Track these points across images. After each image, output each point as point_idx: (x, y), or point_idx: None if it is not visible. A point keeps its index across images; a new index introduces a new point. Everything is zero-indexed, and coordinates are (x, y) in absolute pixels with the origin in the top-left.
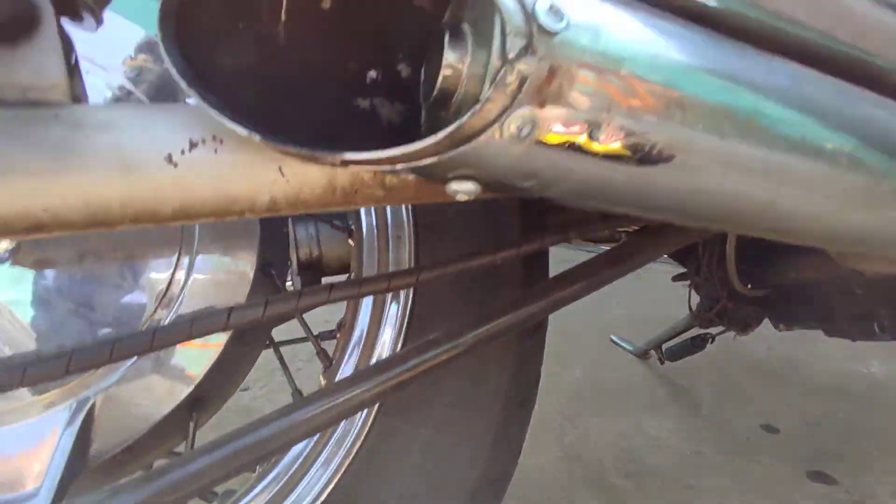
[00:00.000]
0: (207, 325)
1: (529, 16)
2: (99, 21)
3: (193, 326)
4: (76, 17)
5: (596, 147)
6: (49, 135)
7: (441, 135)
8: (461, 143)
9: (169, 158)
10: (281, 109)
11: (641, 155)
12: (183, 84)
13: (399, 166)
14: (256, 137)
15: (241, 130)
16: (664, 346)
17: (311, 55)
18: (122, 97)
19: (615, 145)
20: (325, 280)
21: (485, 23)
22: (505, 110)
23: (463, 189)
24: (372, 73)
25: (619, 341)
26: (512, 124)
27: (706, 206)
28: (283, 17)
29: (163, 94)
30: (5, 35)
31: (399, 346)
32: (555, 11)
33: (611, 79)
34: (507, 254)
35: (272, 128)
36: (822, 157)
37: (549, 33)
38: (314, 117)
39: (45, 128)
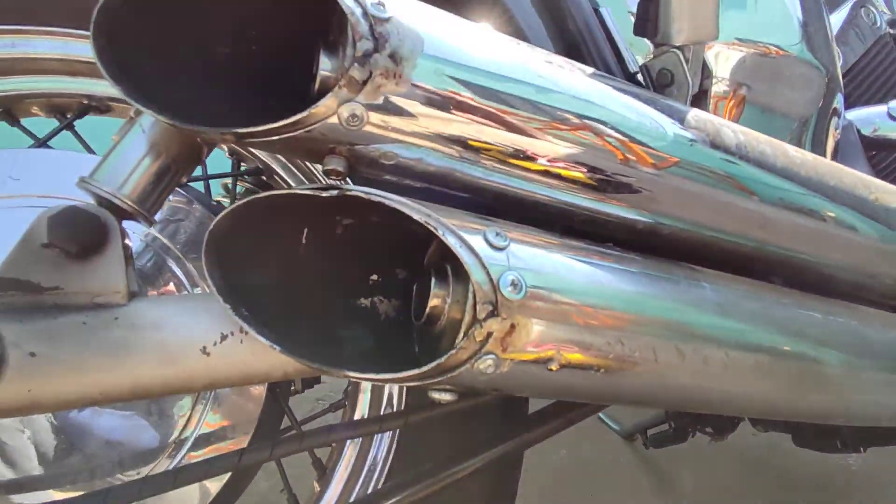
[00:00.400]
0: (223, 465)
1: (496, 288)
2: (152, 223)
3: (210, 467)
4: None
5: (550, 370)
6: (109, 336)
7: (424, 369)
8: (440, 374)
9: (203, 350)
10: (296, 318)
11: (591, 368)
12: (228, 309)
13: (391, 384)
14: (277, 349)
15: (264, 341)
16: (649, 433)
17: (322, 266)
18: (151, 244)
19: (565, 367)
20: None
21: (462, 273)
22: (474, 355)
23: (442, 397)
24: (374, 277)
25: (606, 419)
26: (480, 364)
27: (660, 398)
28: (304, 240)
29: (189, 246)
30: (81, 253)
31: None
32: (515, 284)
33: (559, 327)
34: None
35: (290, 336)
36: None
37: (510, 301)
38: (323, 323)
39: (106, 331)
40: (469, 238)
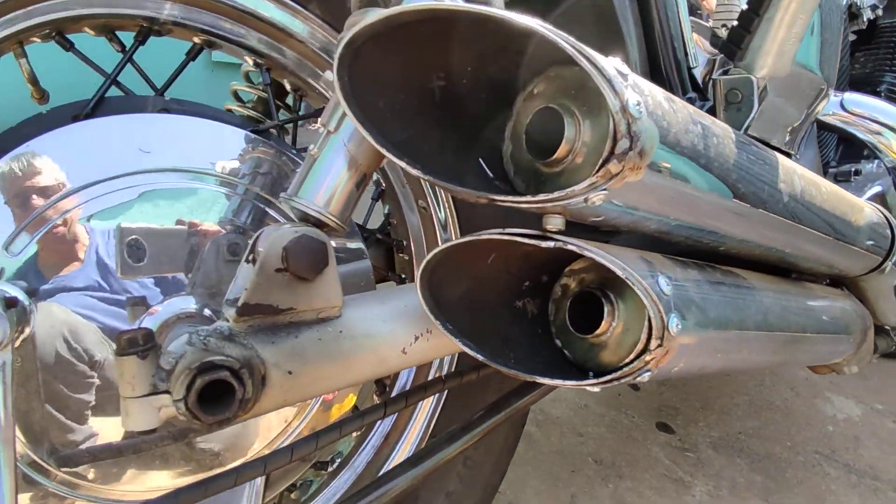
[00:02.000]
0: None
1: (665, 326)
2: (345, 231)
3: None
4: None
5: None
6: (339, 348)
7: (604, 378)
8: (610, 381)
9: (403, 350)
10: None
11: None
12: (440, 325)
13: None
14: (473, 353)
15: (463, 346)
16: None
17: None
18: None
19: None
20: None
21: (629, 305)
22: (635, 371)
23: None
24: (526, 282)
25: None
26: (640, 377)
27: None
28: (489, 261)
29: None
30: (311, 275)
31: None
32: (676, 324)
33: (696, 353)
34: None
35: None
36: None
37: (672, 336)
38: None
39: (336, 344)
40: (647, 284)
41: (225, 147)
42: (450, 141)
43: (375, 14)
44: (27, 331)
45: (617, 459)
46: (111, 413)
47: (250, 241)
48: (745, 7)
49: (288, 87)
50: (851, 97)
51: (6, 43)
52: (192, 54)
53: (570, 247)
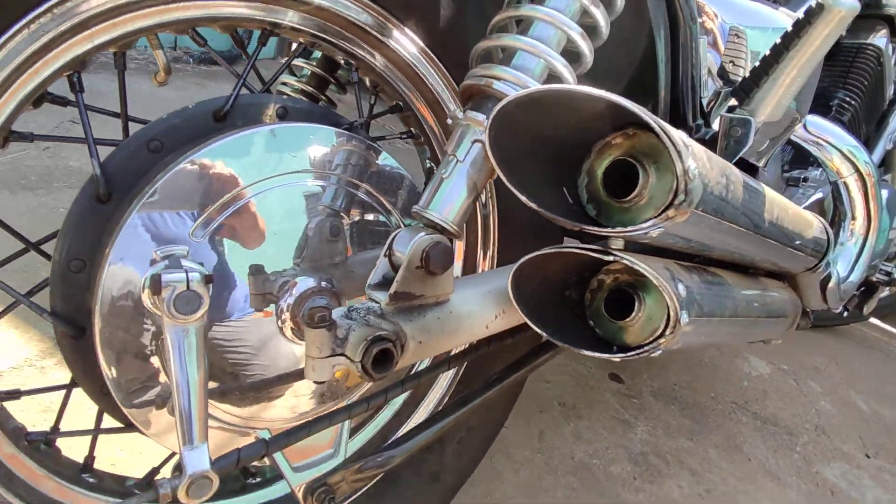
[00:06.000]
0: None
1: (678, 320)
2: (462, 237)
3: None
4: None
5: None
6: (452, 323)
7: (630, 354)
8: (636, 354)
9: (486, 326)
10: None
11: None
12: (531, 323)
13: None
14: (550, 337)
15: (533, 325)
16: None
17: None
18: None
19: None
20: None
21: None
22: (649, 347)
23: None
24: (574, 277)
25: None
26: (652, 351)
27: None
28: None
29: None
30: (441, 272)
31: None
32: (687, 318)
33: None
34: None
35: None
36: None
37: (682, 326)
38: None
39: (451, 320)
40: (670, 287)
41: (324, 143)
42: (548, 174)
43: (522, 92)
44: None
45: (577, 403)
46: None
47: (388, 240)
48: (756, 64)
49: (368, 84)
50: (814, 120)
51: (145, 32)
52: (297, 52)
53: (625, 261)
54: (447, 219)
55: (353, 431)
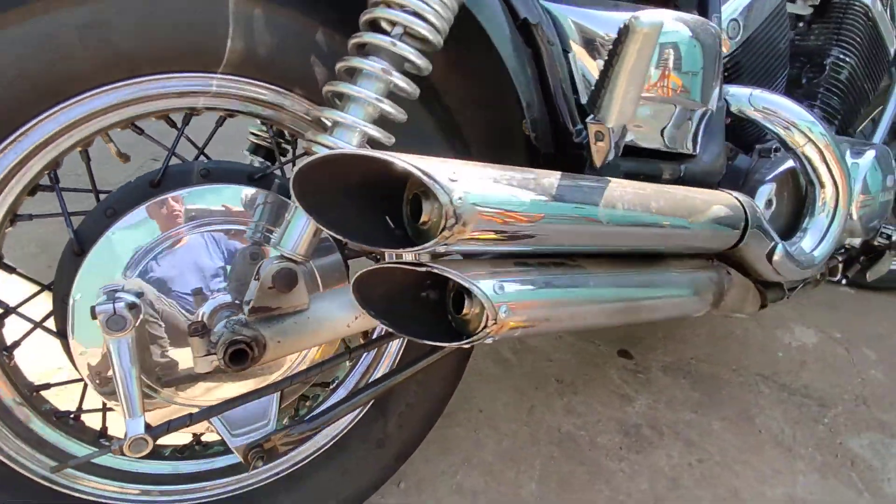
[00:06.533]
0: (178, 424)
1: (497, 314)
2: (307, 261)
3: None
4: None
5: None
6: (311, 326)
7: (466, 340)
8: (469, 338)
9: (348, 325)
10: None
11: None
12: (367, 312)
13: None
14: (389, 328)
15: (379, 321)
16: None
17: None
18: None
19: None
20: None
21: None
22: (479, 331)
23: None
24: (428, 281)
25: None
26: (483, 335)
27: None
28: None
29: None
30: (287, 291)
31: None
32: (505, 313)
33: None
34: None
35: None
36: None
37: (502, 317)
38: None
39: (305, 324)
40: (475, 286)
41: (227, 198)
42: (366, 214)
43: (318, 155)
44: (140, 317)
45: (576, 380)
46: None
47: (257, 268)
48: (597, 76)
49: (287, 135)
50: (758, 94)
51: (98, 134)
52: (220, 122)
53: (434, 270)
54: (294, 251)
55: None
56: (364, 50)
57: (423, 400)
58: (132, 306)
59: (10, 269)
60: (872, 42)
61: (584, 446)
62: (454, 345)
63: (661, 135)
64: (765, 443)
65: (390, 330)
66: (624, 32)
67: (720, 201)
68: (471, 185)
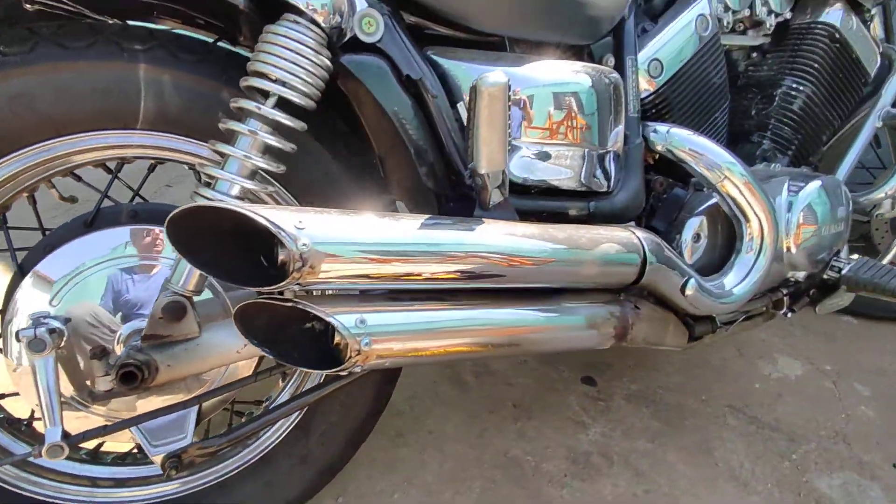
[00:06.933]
0: (92, 434)
1: (360, 345)
2: (198, 294)
3: (85, 435)
4: None
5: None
6: (198, 352)
7: (328, 371)
8: (335, 373)
9: (238, 351)
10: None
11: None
12: (251, 343)
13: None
14: (270, 355)
15: (261, 349)
16: None
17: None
18: None
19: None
20: None
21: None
22: (344, 363)
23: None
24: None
25: None
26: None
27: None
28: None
29: None
30: (175, 321)
31: None
32: (367, 344)
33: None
34: None
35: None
36: None
37: (363, 348)
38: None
39: (195, 350)
40: (343, 322)
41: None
42: (244, 255)
43: (180, 208)
44: (63, 341)
45: (533, 405)
46: None
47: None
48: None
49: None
50: (675, 132)
51: (39, 181)
52: (152, 168)
53: (298, 306)
54: (183, 287)
55: None
56: (241, 113)
57: (345, 419)
58: (52, 331)
59: None
60: (837, 65)
61: (529, 472)
62: (328, 371)
63: (568, 174)
64: (719, 476)
65: (272, 357)
66: (472, 92)
67: (613, 238)
68: (317, 231)
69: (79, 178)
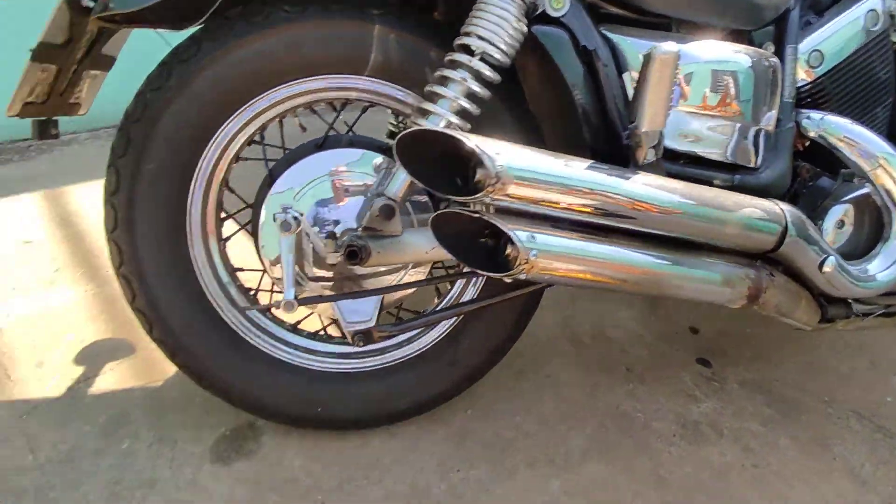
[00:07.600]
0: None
1: (528, 255)
2: (401, 207)
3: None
4: None
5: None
6: (399, 246)
7: (504, 273)
8: (512, 277)
9: (427, 252)
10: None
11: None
12: (445, 250)
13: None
14: (458, 259)
15: (449, 253)
16: None
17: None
18: None
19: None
20: None
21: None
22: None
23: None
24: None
25: None
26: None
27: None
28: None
29: None
30: (382, 227)
31: None
32: (534, 255)
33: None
34: None
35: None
36: None
37: (531, 259)
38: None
39: (398, 244)
40: (509, 231)
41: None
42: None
43: (409, 130)
44: (300, 228)
45: (646, 373)
46: None
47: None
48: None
49: None
50: (830, 120)
51: (289, 110)
52: (364, 109)
53: (485, 217)
54: (395, 194)
55: None
56: (453, 64)
57: (488, 337)
58: (295, 217)
59: (231, 191)
60: None
61: (638, 426)
62: (496, 275)
63: (718, 147)
64: (835, 470)
65: (450, 256)
66: (646, 59)
67: (757, 205)
68: (510, 158)
69: (314, 112)
